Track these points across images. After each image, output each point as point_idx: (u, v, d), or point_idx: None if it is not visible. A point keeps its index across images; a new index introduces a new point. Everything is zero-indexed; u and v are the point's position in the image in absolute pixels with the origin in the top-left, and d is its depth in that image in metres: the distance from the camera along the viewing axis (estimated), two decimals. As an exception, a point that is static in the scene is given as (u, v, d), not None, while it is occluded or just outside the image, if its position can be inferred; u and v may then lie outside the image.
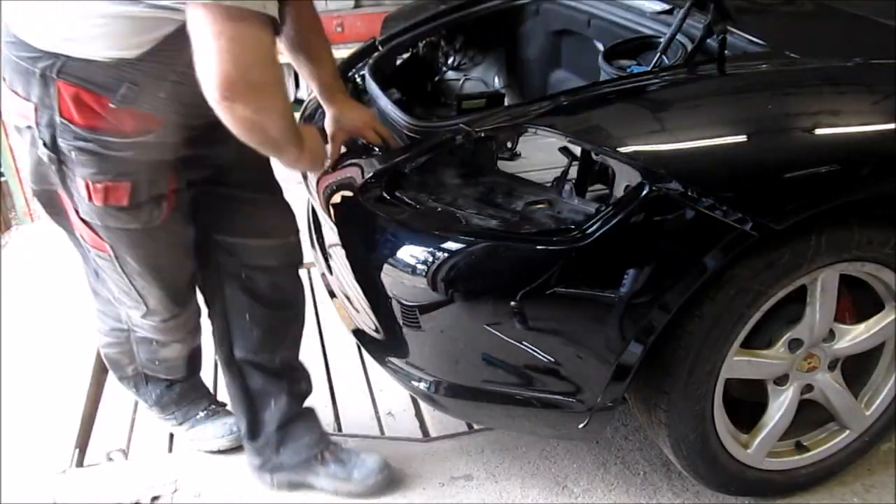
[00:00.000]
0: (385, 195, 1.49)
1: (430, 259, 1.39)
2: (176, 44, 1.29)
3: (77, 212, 1.45)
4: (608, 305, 1.36)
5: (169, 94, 1.35)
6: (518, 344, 1.42)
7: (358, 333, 1.76)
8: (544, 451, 1.95)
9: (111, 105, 1.31)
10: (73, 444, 2.01)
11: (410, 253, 1.42)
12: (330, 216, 1.63)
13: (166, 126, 1.38)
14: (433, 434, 2.01)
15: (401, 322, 1.50)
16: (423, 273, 1.39)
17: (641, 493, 1.83)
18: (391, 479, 1.83)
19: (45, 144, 1.35)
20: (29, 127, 1.36)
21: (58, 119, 1.32)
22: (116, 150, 1.35)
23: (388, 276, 1.45)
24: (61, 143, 1.34)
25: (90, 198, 1.39)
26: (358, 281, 1.58)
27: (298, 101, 4.03)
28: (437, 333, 1.48)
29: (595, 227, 1.33)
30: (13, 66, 1.34)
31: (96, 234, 1.46)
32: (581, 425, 1.51)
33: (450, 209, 1.44)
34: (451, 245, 1.38)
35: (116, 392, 2.19)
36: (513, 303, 1.37)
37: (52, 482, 1.90)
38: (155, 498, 1.83)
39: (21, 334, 2.50)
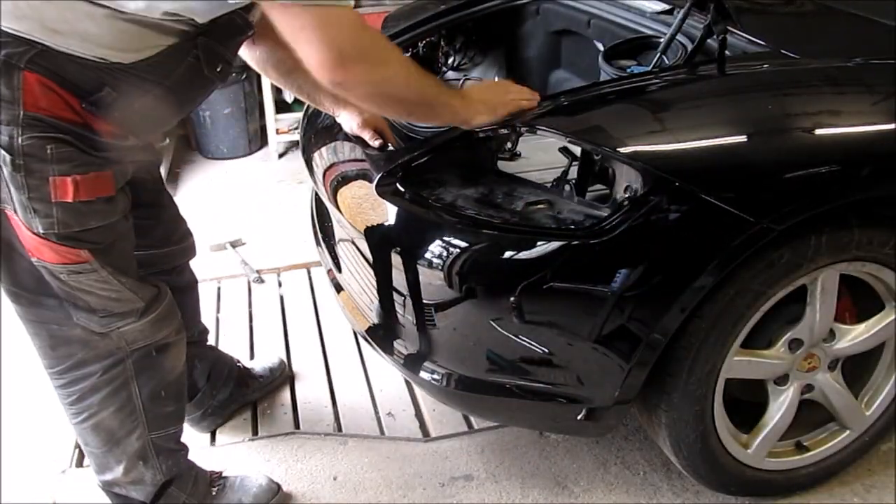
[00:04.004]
0: (401, 189, 1.50)
1: (454, 252, 1.41)
2: (172, 56, 1.28)
3: (34, 232, 1.28)
4: (627, 301, 1.37)
5: (142, 107, 1.29)
6: (534, 337, 1.44)
7: (373, 334, 1.75)
8: (544, 451, 1.95)
9: (82, 105, 1.24)
10: (74, 444, 2.00)
11: (437, 245, 1.43)
12: (341, 210, 1.64)
13: (127, 135, 1.33)
14: (433, 434, 2.01)
15: (419, 314, 1.50)
16: (441, 266, 1.41)
17: (641, 493, 1.83)
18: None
19: (0, 145, 1.20)
20: None
21: (21, 112, 1.19)
22: (91, 145, 1.27)
23: (411, 270, 1.46)
24: (28, 140, 1.20)
25: (75, 194, 1.26)
26: (373, 275, 1.59)
27: (299, 101, 4.03)
28: (456, 325, 1.49)
29: (615, 223, 1.34)
30: None
31: (69, 246, 1.30)
32: (596, 418, 1.53)
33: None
34: (477, 238, 1.40)
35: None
36: (531, 295, 1.38)
37: (52, 482, 1.90)
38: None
39: (21, 334, 2.50)
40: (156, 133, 1.33)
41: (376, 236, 1.56)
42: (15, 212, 1.28)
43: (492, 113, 1.45)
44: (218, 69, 1.38)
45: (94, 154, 1.28)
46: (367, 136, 1.66)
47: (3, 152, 1.21)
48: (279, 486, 1.82)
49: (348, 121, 1.69)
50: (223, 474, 1.79)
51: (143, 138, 1.39)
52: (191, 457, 1.73)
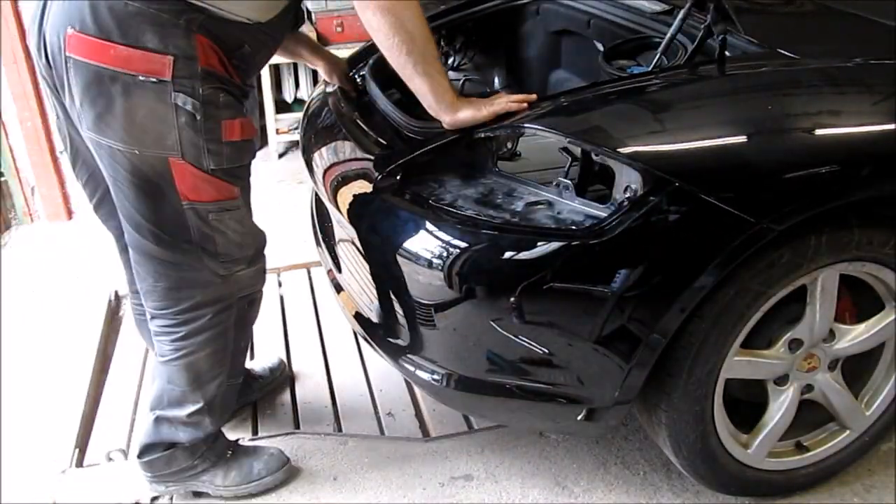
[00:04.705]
0: (402, 189, 1.50)
1: (454, 252, 1.41)
2: (285, 14, 1.54)
3: (203, 169, 1.49)
4: (627, 302, 1.37)
5: (260, 59, 1.59)
6: (534, 337, 1.44)
7: (365, 325, 1.76)
8: (544, 451, 1.95)
9: (230, 61, 1.48)
10: (73, 444, 2.00)
11: (437, 245, 1.43)
12: (341, 211, 1.64)
13: (250, 86, 1.60)
14: (433, 434, 2.01)
15: (417, 314, 1.51)
16: (441, 266, 1.41)
17: (641, 493, 1.83)
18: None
19: (186, 94, 1.42)
20: (158, 81, 1.40)
21: (199, 68, 1.42)
22: (239, 94, 1.53)
23: (409, 269, 1.46)
24: (207, 90, 1.44)
25: (240, 134, 1.52)
26: (373, 275, 1.59)
27: (299, 101, 4.04)
28: (456, 326, 1.49)
29: (615, 223, 1.34)
30: (144, 19, 1.38)
31: (227, 181, 1.54)
32: (597, 419, 1.53)
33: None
34: (477, 238, 1.40)
35: (116, 392, 2.20)
36: (530, 296, 1.39)
37: (52, 482, 1.90)
38: (154, 498, 1.83)
39: (21, 334, 2.50)
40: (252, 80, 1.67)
41: (375, 236, 1.56)
42: (182, 157, 1.47)
43: (476, 111, 1.50)
44: (300, 24, 1.71)
45: (242, 102, 1.54)
46: (348, 86, 1.96)
47: (190, 99, 1.43)
48: (289, 459, 1.89)
49: (330, 73, 1.97)
50: (239, 442, 1.91)
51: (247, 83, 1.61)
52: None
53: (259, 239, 1.70)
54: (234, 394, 1.89)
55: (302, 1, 1.63)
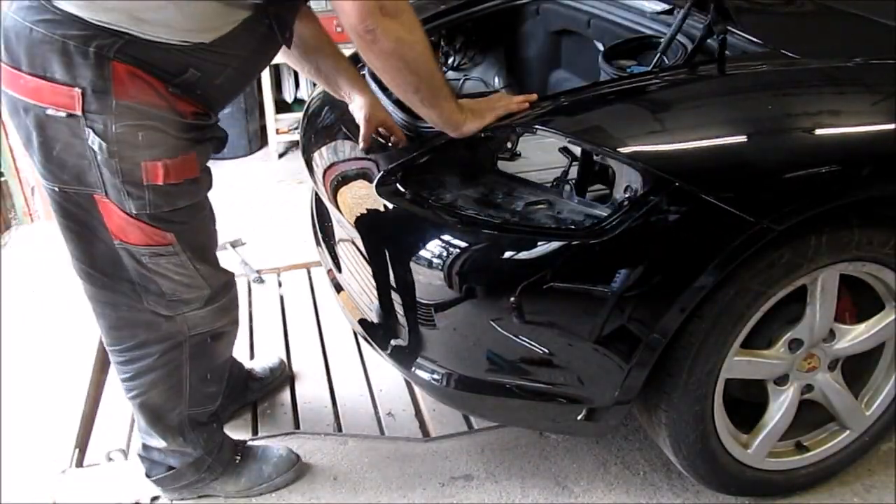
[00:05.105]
0: (401, 189, 1.50)
1: (454, 252, 1.41)
2: (248, 28, 1.35)
3: (127, 213, 1.35)
4: (626, 302, 1.37)
5: (223, 82, 1.38)
6: (534, 337, 1.44)
7: (365, 325, 1.76)
8: (544, 451, 1.95)
9: (168, 89, 1.31)
10: (73, 444, 2.00)
11: (437, 245, 1.43)
12: (341, 211, 1.64)
13: (210, 112, 1.42)
14: (433, 434, 2.01)
15: (417, 314, 1.51)
16: (441, 266, 1.41)
17: (641, 493, 1.83)
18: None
19: (96, 133, 1.27)
20: (70, 115, 1.26)
21: (114, 102, 1.26)
22: (177, 128, 1.34)
23: (409, 269, 1.46)
24: (121, 128, 1.27)
25: (163, 178, 1.33)
26: (374, 274, 1.59)
27: (299, 101, 4.04)
28: (456, 325, 1.49)
29: (615, 223, 1.34)
30: (51, 48, 1.24)
31: (156, 227, 1.39)
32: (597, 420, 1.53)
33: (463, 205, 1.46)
34: (477, 238, 1.40)
35: (116, 392, 2.20)
36: (528, 296, 1.39)
37: (52, 482, 1.90)
38: (155, 498, 1.83)
39: (21, 334, 2.50)
40: (229, 104, 1.49)
41: (376, 236, 1.56)
42: (105, 195, 1.34)
43: (480, 120, 1.50)
44: (287, 35, 1.45)
45: (181, 137, 1.35)
46: (364, 130, 1.66)
47: (98, 139, 1.28)
48: (298, 457, 1.88)
49: (359, 109, 1.68)
50: (247, 443, 1.89)
51: (219, 112, 1.47)
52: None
53: (216, 279, 1.54)
54: (209, 415, 1.75)
55: (283, 10, 1.42)
